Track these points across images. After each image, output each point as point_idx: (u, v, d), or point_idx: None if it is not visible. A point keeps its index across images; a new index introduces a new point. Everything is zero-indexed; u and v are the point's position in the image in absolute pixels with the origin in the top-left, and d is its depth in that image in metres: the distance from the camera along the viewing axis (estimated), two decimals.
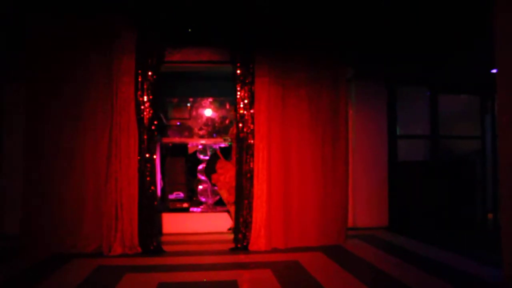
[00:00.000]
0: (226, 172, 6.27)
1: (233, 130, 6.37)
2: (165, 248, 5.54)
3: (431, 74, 7.37)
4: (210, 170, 6.57)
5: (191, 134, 7.83)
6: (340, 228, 5.89)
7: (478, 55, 6.30)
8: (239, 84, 5.72)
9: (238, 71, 5.73)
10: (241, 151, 5.70)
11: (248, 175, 5.65)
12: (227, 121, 8.02)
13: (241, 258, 5.22)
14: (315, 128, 5.86)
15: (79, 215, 5.43)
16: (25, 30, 5.55)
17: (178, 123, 8.22)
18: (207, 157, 7.19)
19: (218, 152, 6.83)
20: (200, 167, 7.28)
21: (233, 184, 6.01)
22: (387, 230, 6.87)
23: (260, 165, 5.61)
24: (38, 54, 5.52)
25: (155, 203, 5.60)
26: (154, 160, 5.60)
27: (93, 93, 5.51)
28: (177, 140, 7.61)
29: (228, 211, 6.54)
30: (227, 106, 7.93)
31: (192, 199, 7.39)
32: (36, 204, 5.38)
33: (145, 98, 5.53)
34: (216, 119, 8.37)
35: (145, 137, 5.52)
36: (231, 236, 5.82)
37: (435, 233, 6.78)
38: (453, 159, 7.71)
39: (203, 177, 7.15)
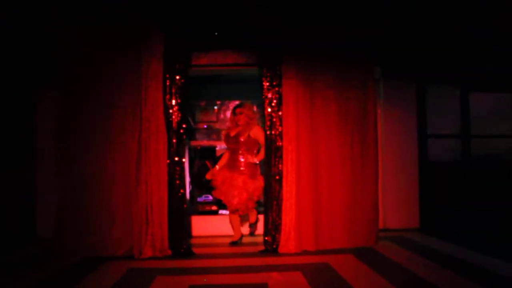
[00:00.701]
0: (223, 180, 6.05)
1: (226, 132, 6.34)
2: (195, 250, 5.57)
3: (461, 72, 7.20)
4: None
5: (219, 137, 7.87)
6: (371, 230, 5.82)
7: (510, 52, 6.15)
8: (267, 86, 5.70)
9: (265, 74, 5.71)
10: (269, 153, 5.68)
11: (277, 177, 5.62)
12: None
13: (271, 260, 5.19)
14: (344, 129, 5.80)
15: (111, 219, 5.49)
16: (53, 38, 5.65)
17: (205, 126, 8.28)
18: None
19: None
20: None
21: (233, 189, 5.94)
22: (418, 232, 6.74)
23: (289, 167, 5.58)
24: (67, 62, 5.59)
25: (185, 206, 5.62)
26: (183, 163, 5.63)
27: (122, 98, 5.57)
28: (205, 143, 7.66)
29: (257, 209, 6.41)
30: (255, 109, 7.92)
31: (221, 201, 7.40)
32: (69, 208, 5.46)
33: (174, 102, 5.57)
34: None
35: (174, 140, 5.56)
36: (261, 239, 5.79)
37: (467, 235, 6.60)
38: (486, 158, 7.52)
39: None
